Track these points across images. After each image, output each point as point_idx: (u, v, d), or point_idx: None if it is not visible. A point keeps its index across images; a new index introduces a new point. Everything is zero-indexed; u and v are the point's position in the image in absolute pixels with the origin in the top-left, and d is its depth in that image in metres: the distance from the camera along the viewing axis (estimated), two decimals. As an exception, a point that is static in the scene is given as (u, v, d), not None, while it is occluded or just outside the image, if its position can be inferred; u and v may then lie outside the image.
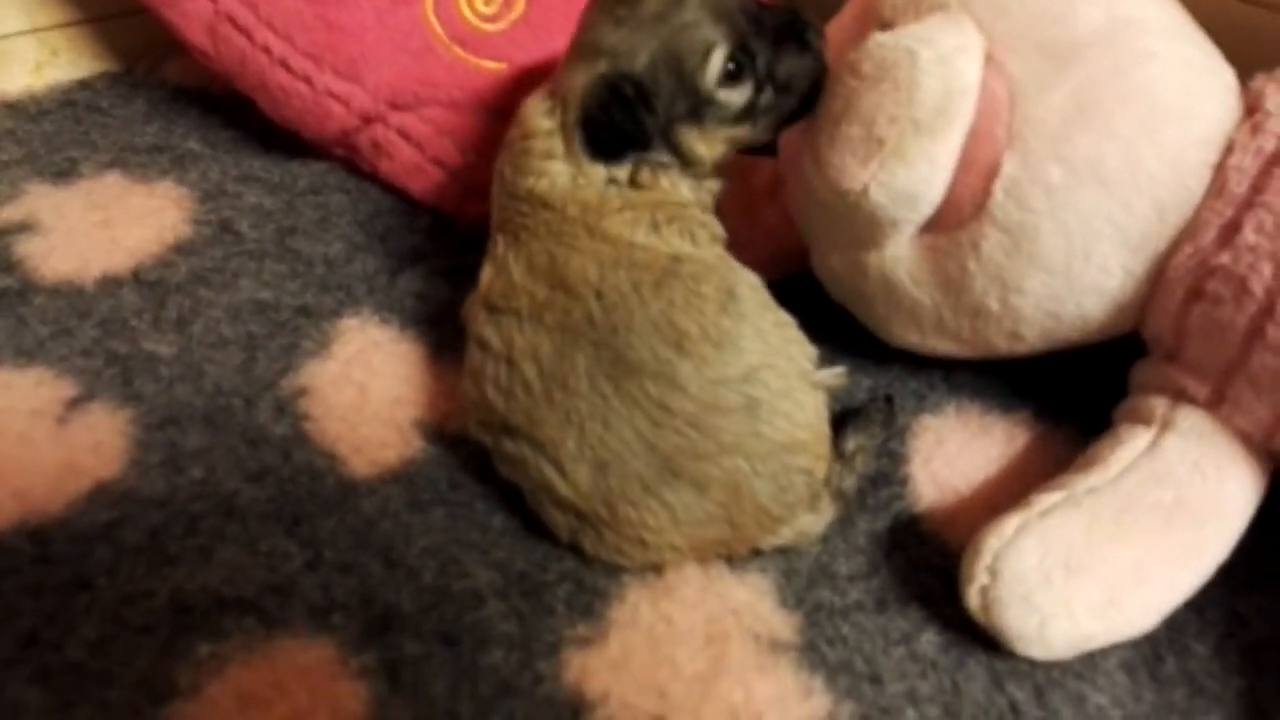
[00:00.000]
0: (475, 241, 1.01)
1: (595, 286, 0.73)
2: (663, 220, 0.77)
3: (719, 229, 0.81)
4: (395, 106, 1.00)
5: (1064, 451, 0.83)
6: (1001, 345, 0.82)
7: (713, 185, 0.81)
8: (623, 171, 0.76)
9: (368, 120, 1.01)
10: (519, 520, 0.77)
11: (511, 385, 0.73)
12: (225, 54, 1.01)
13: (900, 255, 0.80)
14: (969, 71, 0.72)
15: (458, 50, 0.99)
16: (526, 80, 1.00)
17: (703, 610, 0.72)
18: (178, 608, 0.68)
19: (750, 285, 0.77)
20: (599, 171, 0.76)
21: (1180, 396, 0.75)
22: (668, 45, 0.74)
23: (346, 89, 1.00)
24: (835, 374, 0.81)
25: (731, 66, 0.74)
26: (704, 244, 0.78)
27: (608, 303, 0.72)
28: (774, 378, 0.73)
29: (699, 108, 0.75)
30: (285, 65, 0.99)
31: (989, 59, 0.74)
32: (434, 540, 0.74)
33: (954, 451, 0.85)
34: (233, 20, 0.99)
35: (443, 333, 0.91)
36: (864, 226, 0.78)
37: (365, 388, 0.84)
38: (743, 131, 0.78)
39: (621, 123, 0.74)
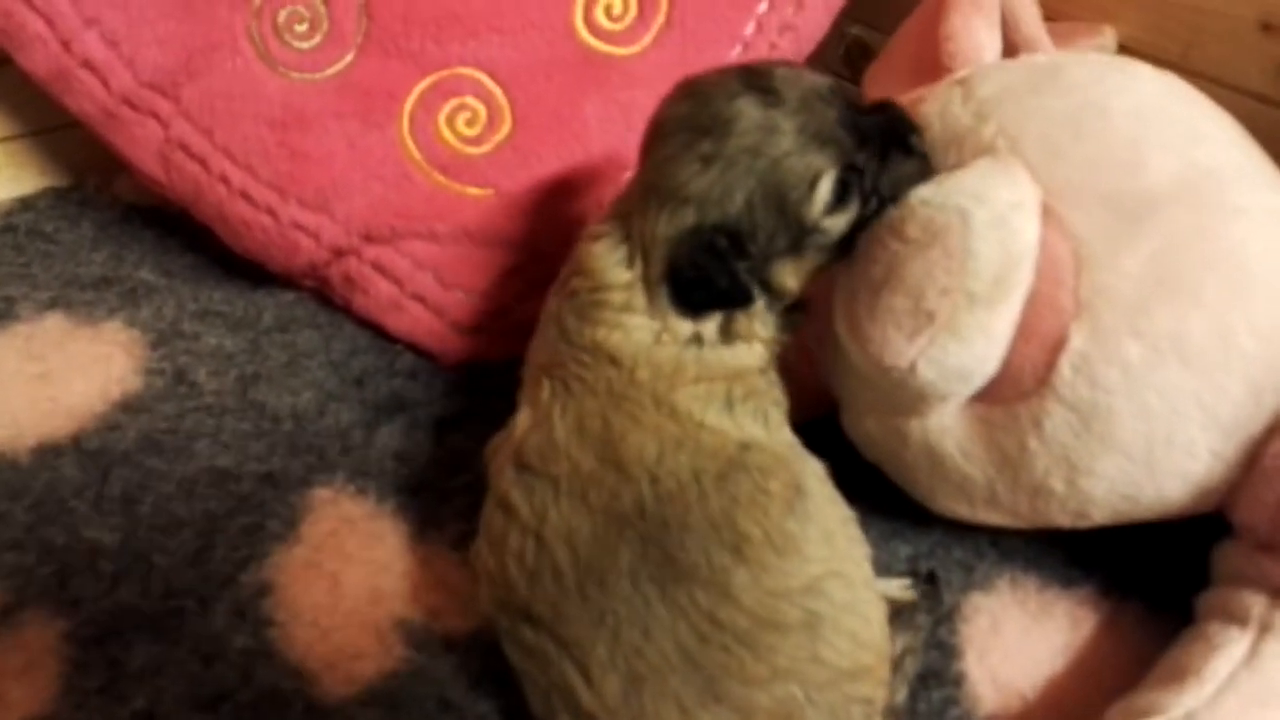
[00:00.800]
0: (462, 386, 0.92)
1: (652, 470, 0.64)
2: (738, 398, 0.68)
3: (783, 396, 0.71)
4: (369, 239, 0.91)
5: (1135, 635, 0.74)
6: (1065, 523, 0.73)
7: (796, 317, 0.72)
8: (713, 324, 0.68)
9: (339, 254, 0.91)
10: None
11: (539, 567, 0.64)
12: (179, 183, 0.91)
13: (948, 426, 0.71)
14: (1027, 231, 0.63)
15: (438, 177, 0.90)
16: (515, 208, 0.91)
17: None
18: None
19: (818, 478, 0.68)
20: (685, 327, 0.67)
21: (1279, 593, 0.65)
22: (766, 182, 0.65)
23: (315, 221, 0.90)
24: (903, 585, 0.73)
25: (839, 190, 0.65)
26: (775, 428, 0.69)
27: (663, 491, 0.63)
28: (839, 588, 0.64)
29: (800, 240, 0.66)
30: (246, 196, 0.89)
31: (1048, 212, 0.65)
32: (424, 781, 0.63)
33: (1013, 640, 0.75)
34: (186, 148, 0.89)
35: (427, 503, 0.81)
36: (907, 399, 0.69)
37: (338, 580, 0.74)
38: (836, 255, 0.69)
39: (717, 279, 0.65)
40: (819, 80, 0.66)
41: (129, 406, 0.86)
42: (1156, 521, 0.72)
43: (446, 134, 0.90)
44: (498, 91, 0.90)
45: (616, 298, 0.68)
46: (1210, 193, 0.65)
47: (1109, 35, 0.91)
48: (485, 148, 0.91)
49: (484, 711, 0.68)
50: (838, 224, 0.66)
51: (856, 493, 0.77)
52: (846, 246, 0.69)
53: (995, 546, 0.81)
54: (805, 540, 0.64)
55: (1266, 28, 0.84)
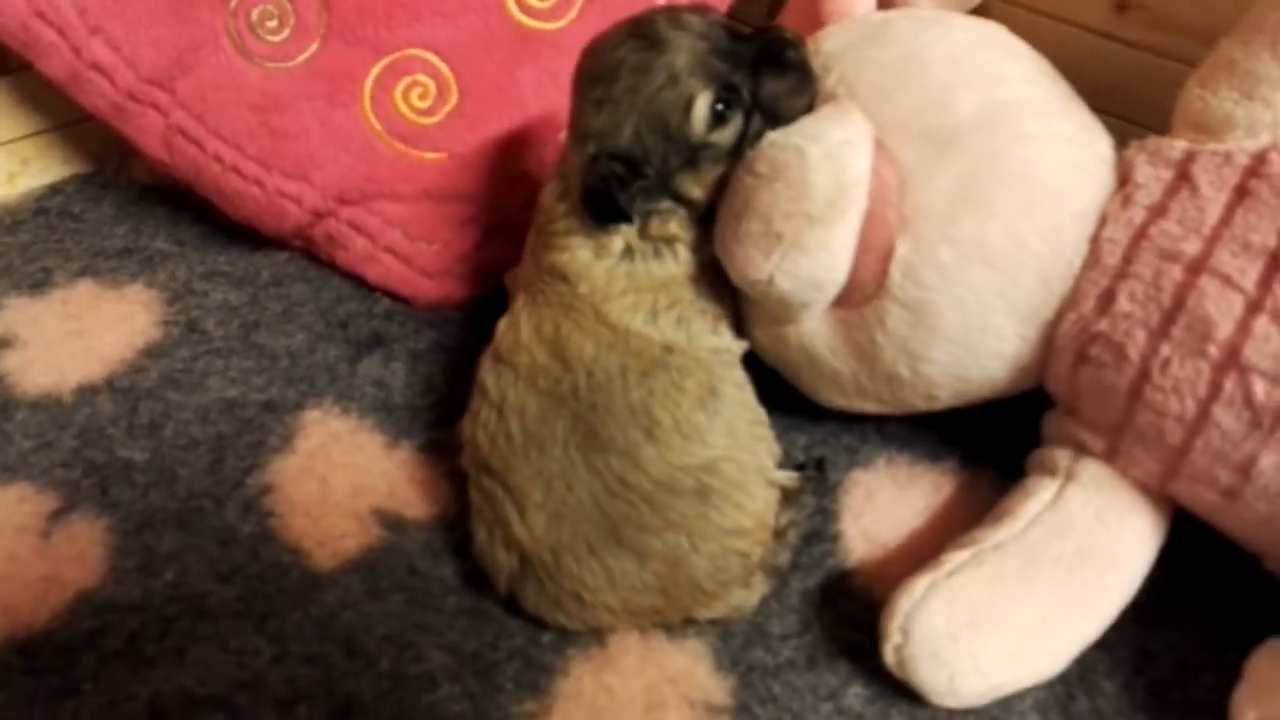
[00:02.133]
0: (432, 324, 1.08)
1: (588, 365, 0.79)
2: (661, 307, 0.82)
3: (719, 309, 0.86)
4: (344, 201, 1.06)
5: (988, 497, 0.87)
6: (920, 404, 0.87)
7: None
8: (634, 233, 0.82)
9: (319, 216, 1.07)
10: (472, 600, 0.82)
11: (498, 433, 0.81)
12: (181, 164, 1.07)
13: (817, 329, 0.85)
14: (856, 163, 0.77)
15: (398, 145, 1.05)
16: (467, 168, 1.06)
17: (642, 679, 0.77)
18: (155, 709, 0.74)
19: (735, 384, 0.84)
20: (616, 241, 0.82)
21: (1081, 449, 0.80)
22: (647, 114, 0.78)
23: (297, 189, 1.05)
24: (791, 477, 0.87)
25: (719, 109, 0.78)
26: (699, 334, 0.83)
27: (595, 381, 0.79)
28: (732, 470, 0.79)
29: (694, 155, 0.80)
30: (237, 171, 1.05)
31: (879, 146, 0.79)
32: (392, 627, 0.80)
33: (883, 505, 0.90)
34: (184, 133, 1.04)
35: (399, 419, 0.97)
36: (778, 308, 0.83)
37: (326, 480, 0.90)
38: (735, 161, 0.81)
39: (615, 195, 0.79)
40: (697, 18, 0.79)
41: (151, 353, 1.02)
42: (998, 400, 0.87)
43: (402, 108, 1.05)
44: (444, 68, 1.05)
45: (560, 225, 0.83)
46: (1006, 123, 0.78)
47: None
48: (437, 117, 1.05)
49: (444, 575, 0.84)
50: (725, 137, 0.79)
51: (767, 396, 0.93)
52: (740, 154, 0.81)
53: (878, 433, 0.95)
54: (709, 430, 0.79)
55: (1102, -30, 0.96)
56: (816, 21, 0.95)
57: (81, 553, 0.84)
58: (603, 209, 0.79)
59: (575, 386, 0.79)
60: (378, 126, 1.05)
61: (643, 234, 0.82)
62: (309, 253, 1.13)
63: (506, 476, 0.79)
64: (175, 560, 0.84)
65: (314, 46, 1.04)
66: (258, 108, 1.04)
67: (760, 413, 0.85)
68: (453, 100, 1.05)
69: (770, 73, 0.80)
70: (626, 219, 0.80)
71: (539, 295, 0.84)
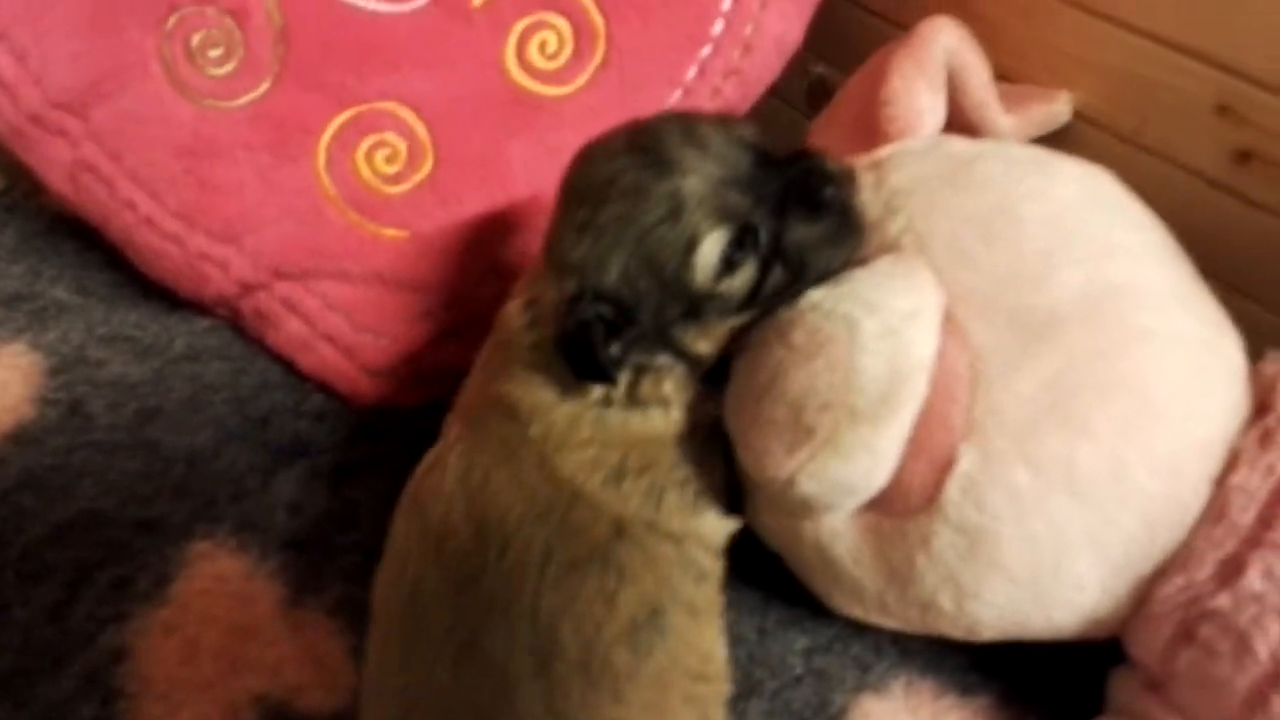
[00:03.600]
0: (369, 432, 0.89)
1: (505, 538, 0.61)
2: (632, 468, 0.64)
3: (705, 483, 0.67)
4: (280, 275, 0.88)
5: (1028, 751, 0.70)
6: (959, 636, 0.69)
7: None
8: (619, 388, 0.64)
9: (248, 288, 0.88)
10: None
11: (390, 595, 0.65)
12: (88, 204, 0.88)
13: (839, 531, 0.67)
14: (922, 345, 0.59)
15: (353, 215, 0.87)
16: (431, 251, 0.88)
17: None
18: None
19: (690, 609, 0.63)
20: (595, 390, 0.64)
21: (1164, 735, 0.62)
22: (638, 252, 0.61)
23: (222, 253, 0.87)
24: None
25: (729, 254, 0.61)
26: (672, 511, 0.64)
27: (507, 565, 0.60)
28: None
29: (696, 306, 0.62)
30: (152, 224, 0.87)
31: (949, 321, 0.61)
32: None
33: (897, 747, 0.72)
34: (93, 170, 0.86)
35: (311, 562, 0.78)
36: (795, 508, 0.65)
37: (198, 647, 0.71)
38: (751, 315, 0.64)
39: (600, 350, 0.61)
40: (718, 134, 0.61)
41: (19, 438, 0.83)
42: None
43: (364, 171, 0.87)
44: (420, 128, 0.87)
45: (525, 356, 0.65)
46: (1116, 312, 0.60)
47: (1063, 101, 0.86)
48: (404, 186, 0.87)
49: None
50: (735, 288, 0.61)
51: (760, 576, 0.75)
52: (766, 309, 0.64)
53: (895, 645, 0.77)
54: (628, 680, 0.59)
55: (1222, 110, 0.79)
56: (869, 130, 0.78)
57: None
58: (582, 363, 0.61)
59: (482, 567, 0.60)
60: (331, 190, 0.86)
61: (631, 394, 0.64)
62: (236, 324, 0.94)
63: (380, 651, 0.63)
64: (-17, 748, 0.65)
65: (264, 86, 0.86)
66: (186, 151, 0.85)
67: (713, 662, 0.65)
68: (426, 168, 0.87)
69: (801, 214, 0.61)
70: (609, 379, 0.62)
71: (478, 429, 0.66)
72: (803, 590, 0.76)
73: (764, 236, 0.61)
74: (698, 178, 0.60)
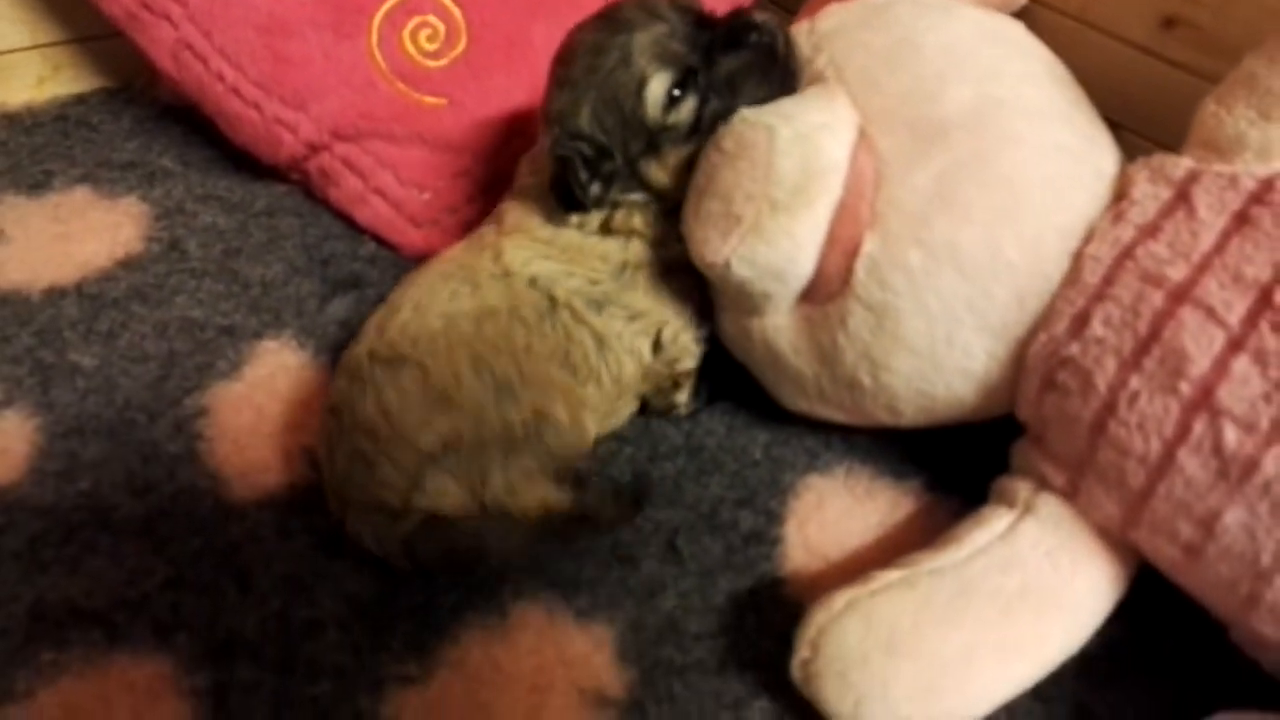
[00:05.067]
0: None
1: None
2: (559, 261, 0.81)
3: (660, 318, 0.84)
4: (339, 137, 1.04)
5: (946, 524, 0.81)
6: (883, 417, 0.81)
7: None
8: (594, 219, 0.81)
9: (314, 149, 1.05)
10: (383, 552, 0.79)
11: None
12: (187, 79, 1.06)
13: (780, 324, 0.80)
14: (831, 149, 0.72)
15: (399, 85, 1.03)
16: (466, 117, 1.03)
17: (534, 658, 0.73)
18: (34, 615, 0.72)
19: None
20: (573, 219, 0.81)
21: (1043, 483, 0.73)
22: (602, 94, 0.77)
23: (293, 117, 1.03)
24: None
25: (676, 93, 0.76)
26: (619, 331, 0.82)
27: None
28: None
29: (653, 139, 0.78)
30: (237, 92, 1.03)
31: (863, 135, 0.74)
32: (292, 567, 0.77)
33: (833, 515, 0.84)
34: (191, 48, 1.03)
35: (354, 360, 0.94)
36: (738, 296, 0.78)
37: (263, 411, 0.88)
38: (700, 145, 0.79)
39: (579, 180, 0.77)
40: (667, 4, 0.77)
41: (128, 264, 1.01)
42: (972, 424, 0.81)
43: (409, 47, 1.02)
44: (456, 11, 1.02)
45: (521, 194, 0.84)
46: (997, 122, 0.71)
47: (1017, -14, 0.97)
48: (442, 61, 1.03)
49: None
50: (681, 118, 0.77)
51: (732, 390, 0.88)
52: (709, 131, 0.78)
53: (844, 440, 0.89)
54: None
55: (1152, -15, 0.89)
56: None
57: (6, 449, 0.83)
58: (566, 194, 0.78)
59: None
60: (382, 64, 1.02)
61: (605, 226, 0.81)
62: (306, 188, 1.11)
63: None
64: (95, 469, 0.82)
65: (328, -26, 1.02)
66: (264, 29, 1.02)
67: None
68: (461, 45, 1.03)
69: (729, 52, 0.77)
70: (587, 208, 0.78)
71: (475, 240, 0.86)
72: (769, 402, 0.89)
73: (700, 76, 0.76)
74: (645, 33, 0.76)
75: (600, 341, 0.80)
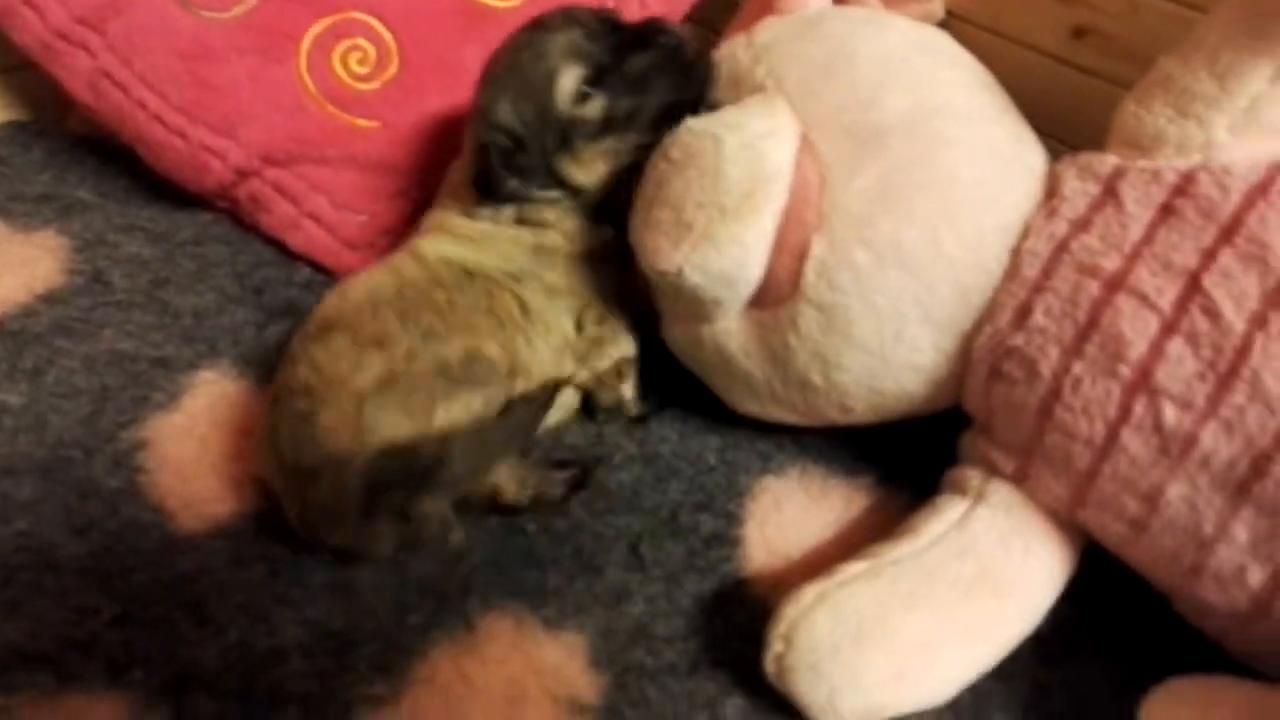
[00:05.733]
0: (347, 295, 1.03)
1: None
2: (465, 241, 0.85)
3: (579, 301, 0.87)
4: (270, 162, 1.02)
5: (900, 516, 0.83)
6: (835, 416, 0.83)
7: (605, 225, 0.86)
8: (507, 211, 0.84)
9: (243, 175, 1.03)
10: (342, 576, 0.77)
11: None
12: (105, 108, 1.03)
13: (731, 329, 0.82)
14: (776, 156, 0.74)
15: (330, 108, 1.02)
16: (399, 138, 1.03)
17: (505, 669, 0.72)
18: (-23, 661, 0.69)
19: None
20: (486, 210, 0.84)
21: (993, 470, 0.76)
22: (519, 87, 0.82)
23: (222, 144, 1.02)
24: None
25: (585, 89, 0.80)
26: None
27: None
28: None
29: (566, 134, 0.81)
30: (160, 120, 1.01)
31: (804, 141, 0.76)
32: (249, 596, 0.75)
33: (791, 515, 0.86)
34: (110, 76, 1.01)
35: (297, 387, 0.92)
36: (690, 303, 0.80)
37: (206, 441, 0.86)
38: (613, 144, 0.82)
39: (495, 169, 0.81)
40: (587, 12, 0.84)
41: (49, 299, 0.98)
42: (919, 418, 0.83)
43: (340, 71, 1.02)
44: (387, 35, 1.02)
45: (445, 193, 0.88)
46: (931, 127, 0.74)
47: (937, 2, 1.01)
48: (374, 84, 1.02)
49: (315, 548, 0.79)
50: (591, 112, 0.81)
51: (681, 396, 0.89)
52: (625, 135, 0.81)
53: (795, 442, 0.91)
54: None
55: (1061, -1, 0.94)
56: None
57: (-68, 491, 0.79)
58: (485, 184, 0.81)
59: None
60: (311, 87, 1.02)
61: (518, 217, 0.84)
62: (234, 215, 1.09)
63: None
64: (30, 509, 0.79)
65: (253, 0, 1.01)
66: (188, 56, 1.00)
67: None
68: (392, 69, 1.02)
69: (638, 53, 0.81)
70: (503, 197, 0.82)
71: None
72: (719, 406, 0.91)
73: (612, 76, 0.80)
74: (562, 34, 0.81)
75: (523, 306, 0.83)
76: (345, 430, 0.72)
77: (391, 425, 0.73)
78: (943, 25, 1.02)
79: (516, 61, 0.82)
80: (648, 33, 0.82)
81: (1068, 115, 0.93)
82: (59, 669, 0.69)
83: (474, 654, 0.73)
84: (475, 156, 0.83)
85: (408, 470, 0.73)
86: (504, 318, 0.82)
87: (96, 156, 1.17)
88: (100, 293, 0.99)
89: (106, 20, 1.00)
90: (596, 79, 0.80)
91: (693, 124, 0.75)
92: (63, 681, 0.68)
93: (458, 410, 0.75)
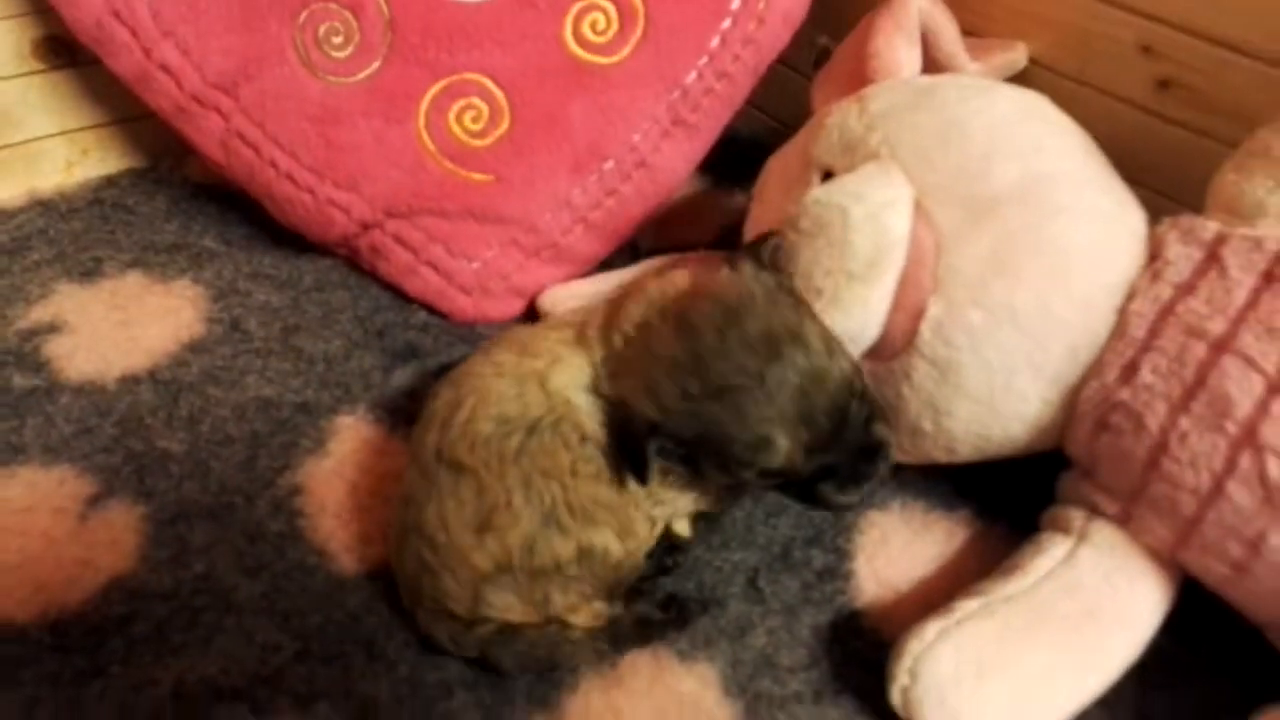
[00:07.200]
0: (466, 339, 1.10)
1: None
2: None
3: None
4: (391, 215, 1.09)
5: (998, 548, 0.89)
6: (940, 457, 0.89)
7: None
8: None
9: (366, 227, 1.10)
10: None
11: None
12: (236, 166, 1.10)
13: (847, 378, 0.87)
14: (897, 225, 0.80)
15: (448, 164, 1.08)
16: (511, 191, 1.10)
17: (650, 700, 0.79)
18: (179, 695, 0.76)
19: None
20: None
21: (1095, 511, 0.82)
22: (716, 428, 0.71)
23: (346, 199, 1.09)
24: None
25: (779, 481, 0.76)
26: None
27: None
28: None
29: (736, 477, 0.76)
30: (290, 178, 1.08)
31: (919, 208, 0.82)
32: (414, 634, 0.82)
33: (897, 549, 0.92)
34: (242, 137, 1.08)
35: (429, 430, 0.99)
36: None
37: (356, 485, 0.92)
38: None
39: (648, 465, 0.74)
40: (842, 365, 0.73)
41: (194, 347, 1.05)
42: (1016, 458, 0.89)
43: (455, 129, 1.08)
44: (499, 94, 1.08)
45: (582, 351, 0.78)
46: (1041, 194, 0.80)
47: (1020, 50, 1.07)
48: (487, 140, 1.09)
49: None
50: (767, 484, 0.77)
51: None
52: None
53: (895, 479, 0.97)
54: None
55: (1145, 49, 0.99)
56: (862, 78, 0.99)
57: (116, 539, 0.87)
58: (631, 458, 0.75)
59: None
60: (430, 145, 1.08)
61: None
62: (351, 261, 1.16)
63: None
64: (205, 553, 0.86)
65: (375, 64, 1.07)
66: (316, 119, 1.07)
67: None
68: (504, 125, 1.09)
69: (851, 482, 0.76)
70: (642, 479, 0.75)
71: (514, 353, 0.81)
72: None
73: (813, 471, 0.74)
74: (787, 440, 0.71)
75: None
76: (464, 601, 0.77)
77: (505, 607, 0.77)
78: (1025, 73, 1.07)
79: (729, 394, 0.70)
80: (873, 450, 0.76)
81: (1156, 165, 0.98)
82: (253, 703, 0.76)
83: (620, 687, 0.79)
84: (634, 426, 0.73)
85: (519, 637, 0.78)
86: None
87: (216, 204, 1.25)
88: (240, 341, 1.06)
89: (239, 85, 1.07)
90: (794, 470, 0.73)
91: (819, 195, 0.81)
92: (258, 715, 0.75)
93: (573, 596, 0.79)
